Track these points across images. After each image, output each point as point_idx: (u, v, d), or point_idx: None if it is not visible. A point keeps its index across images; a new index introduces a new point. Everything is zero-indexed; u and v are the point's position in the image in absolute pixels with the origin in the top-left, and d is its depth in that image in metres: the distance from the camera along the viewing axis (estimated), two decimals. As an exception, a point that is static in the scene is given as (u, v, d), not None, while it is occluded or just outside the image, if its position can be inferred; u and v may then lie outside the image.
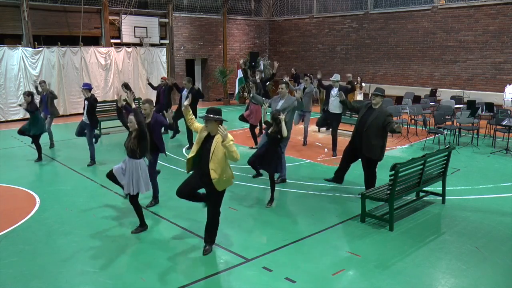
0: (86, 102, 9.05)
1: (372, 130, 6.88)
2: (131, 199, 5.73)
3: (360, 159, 7.33)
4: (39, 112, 9.56)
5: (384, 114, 6.86)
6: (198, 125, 5.31)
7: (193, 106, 10.57)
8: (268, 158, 6.77)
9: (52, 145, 10.87)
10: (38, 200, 7.14)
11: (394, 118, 12.57)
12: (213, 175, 4.89)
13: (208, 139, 5.00)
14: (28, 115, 9.63)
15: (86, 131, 9.22)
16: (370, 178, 7.20)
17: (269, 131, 6.82)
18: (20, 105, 9.76)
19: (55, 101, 10.95)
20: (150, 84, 13.15)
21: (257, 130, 11.37)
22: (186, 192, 5.26)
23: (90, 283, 4.60)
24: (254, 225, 6.16)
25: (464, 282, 4.63)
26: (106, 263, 5.03)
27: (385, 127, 6.80)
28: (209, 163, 4.91)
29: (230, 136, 4.73)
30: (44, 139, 10.44)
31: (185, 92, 10.58)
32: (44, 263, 5.02)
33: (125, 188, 5.68)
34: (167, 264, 5.02)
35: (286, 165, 8.18)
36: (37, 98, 10.21)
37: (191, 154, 5.10)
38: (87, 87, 9.22)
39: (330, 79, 10.36)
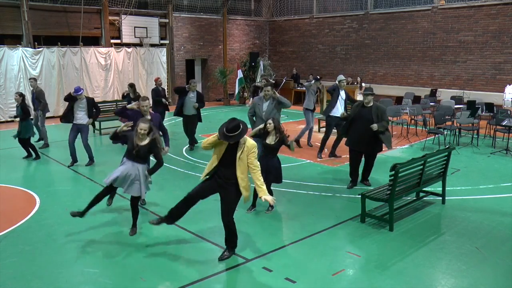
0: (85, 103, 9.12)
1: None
2: (133, 201, 5.74)
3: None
4: (30, 118, 9.58)
5: (381, 110, 7.32)
6: (210, 141, 4.92)
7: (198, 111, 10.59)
8: (275, 170, 6.42)
9: (45, 145, 10.98)
10: (38, 200, 7.14)
11: (394, 119, 12.64)
12: (240, 181, 4.81)
13: (231, 146, 4.79)
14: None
15: (81, 133, 9.21)
16: (370, 167, 7.70)
17: (268, 141, 6.36)
18: (14, 117, 9.67)
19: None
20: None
21: None
22: (196, 195, 5.03)
23: (90, 283, 4.60)
24: (254, 225, 6.16)
25: (464, 282, 4.62)
26: (106, 263, 5.03)
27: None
28: (234, 169, 4.79)
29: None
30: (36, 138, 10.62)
31: (192, 96, 10.44)
32: (44, 263, 5.02)
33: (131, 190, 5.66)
34: (167, 264, 5.02)
35: (286, 165, 8.40)
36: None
37: (214, 163, 4.92)
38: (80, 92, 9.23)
39: (342, 80, 10.14)
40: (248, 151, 4.78)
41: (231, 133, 4.62)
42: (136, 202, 5.77)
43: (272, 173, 6.36)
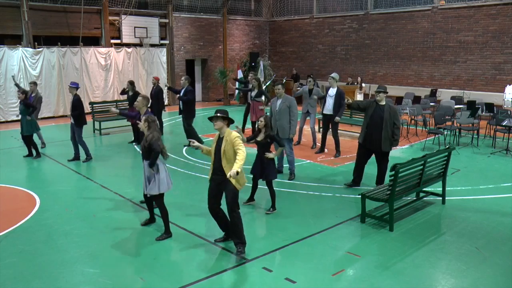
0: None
1: (389, 125, 7.23)
2: (156, 200, 5.70)
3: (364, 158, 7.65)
4: (32, 113, 9.71)
5: (394, 110, 7.34)
6: (207, 148, 5.44)
7: (190, 107, 10.61)
8: (267, 166, 6.52)
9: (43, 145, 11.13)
10: (38, 200, 7.14)
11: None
12: (226, 170, 5.01)
13: (219, 140, 5.14)
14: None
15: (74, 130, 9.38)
16: (385, 171, 7.46)
17: (259, 138, 6.56)
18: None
19: (42, 105, 11.33)
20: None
21: None
22: (212, 203, 5.28)
23: (90, 283, 4.60)
24: (254, 225, 6.16)
25: (464, 282, 4.62)
26: (106, 263, 5.03)
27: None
28: (221, 161, 5.06)
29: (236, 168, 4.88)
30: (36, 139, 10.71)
31: (183, 92, 10.57)
32: (44, 263, 5.02)
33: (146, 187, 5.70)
34: (167, 264, 5.02)
35: (287, 165, 8.43)
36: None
37: (211, 159, 5.25)
38: (74, 85, 9.43)
39: (330, 75, 10.22)
40: (231, 141, 5.02)
41: (218, 113, 5.09)
42: (158, 201, 5.66)
43: (266, 170, 6.51)
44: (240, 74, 18.41)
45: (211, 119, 5.16)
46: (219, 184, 5.19)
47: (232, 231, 5.28)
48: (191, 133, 10.58)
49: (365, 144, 7.47)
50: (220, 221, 5.44)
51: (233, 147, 5.01)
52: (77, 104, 9.24)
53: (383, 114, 7.19)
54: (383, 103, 7.28)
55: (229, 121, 5.16)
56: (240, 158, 4.93)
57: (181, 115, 10.94)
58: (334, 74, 10.15)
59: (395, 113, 7.30)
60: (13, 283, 4.59)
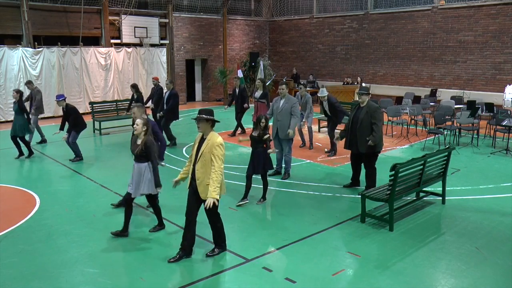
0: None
1: (364, 126, 7.08)
2: (148, 199, 5.82)
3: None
4: (24, 114, 9.79)
5: (372, 109, 7.16)
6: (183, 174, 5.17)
7: (174, 110, 10.65)
8: (258, 160, 6.78)
9: (43, 141, 11.34)
10: (38, 200, 7.15)
11: (394, 119, 12.63)
12: (198, 174, 4.81)
13: (201, 141, 4.90)
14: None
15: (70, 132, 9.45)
16: (371, 174, 7.32)
17: (254, 133, 6.85)
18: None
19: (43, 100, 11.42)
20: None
21: None
22: (189, 212, 4.97)
23: (90, 283, 4.60)
24: (254, 225, 6.16)
25: (464, 282, 4.62)
26: (106, 263, 5.03)
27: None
28: (196, 164, 4.85)
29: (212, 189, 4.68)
30: (36, 138, 11.05)
31: (166, 95, 10.73)
32: (44, 263, 5.02)
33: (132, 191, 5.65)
34: (167, 264, 5.01)
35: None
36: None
37: (190, 164, 5.01)
38: (61, 98, 9.44)
39: (318, 94, 10.16)
40: (211, 146, 4.72)
41: (201, 114, 4.83)
42: (150, 200, 5.82)
43: (259, 162, 6.76)
44: (240, 74, 18.38)
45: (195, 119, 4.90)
46: (196, 192, 4.90)
47: (217, 235, 5.17)
48: (167, 133, 10.70)
49: (347, 147, 7.46)
50: (187, 232, 5.03)
51: (211, 152, 4.70)
52: (67, 113, 9.32)
53: (361, 116, 7.11)
54: (364, 104, 7.20)
55: (213, 122, 4.86)
56: (214, 178, 4.63)
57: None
58: (321, 91, 9.96)
59: (373, 111, 7.09)
60: (13, 283, 4.59)
